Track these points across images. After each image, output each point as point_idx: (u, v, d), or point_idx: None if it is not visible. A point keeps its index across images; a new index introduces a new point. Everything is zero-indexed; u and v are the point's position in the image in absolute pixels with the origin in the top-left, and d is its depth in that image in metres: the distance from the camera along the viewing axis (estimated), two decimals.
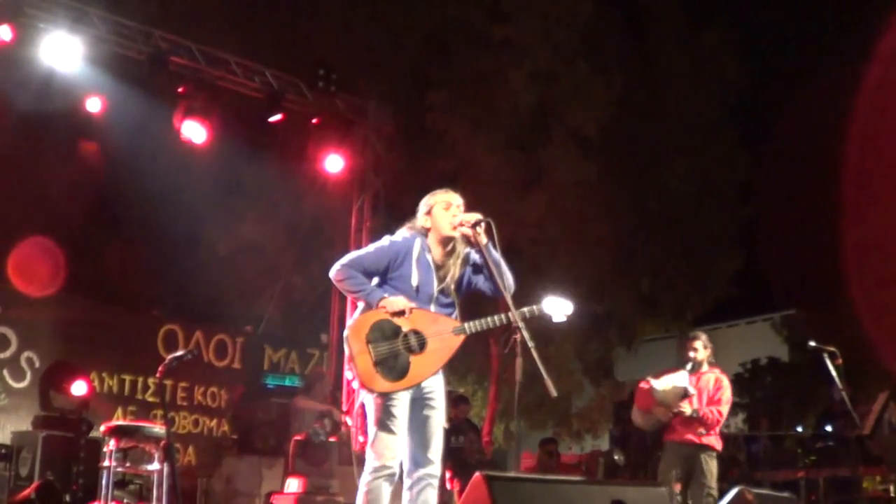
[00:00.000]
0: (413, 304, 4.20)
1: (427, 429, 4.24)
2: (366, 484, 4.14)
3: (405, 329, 4.19)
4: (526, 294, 4.35)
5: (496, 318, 4.23)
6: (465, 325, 4.26)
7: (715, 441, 6.73)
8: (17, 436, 8.14)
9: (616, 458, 10.35)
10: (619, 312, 17.20)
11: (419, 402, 4.24)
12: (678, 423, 6.70)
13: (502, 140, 14.17)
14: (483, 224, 4.23)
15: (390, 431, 4.13)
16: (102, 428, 6.61)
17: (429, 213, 4.39)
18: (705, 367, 6.82)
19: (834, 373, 6.02)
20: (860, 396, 10.73)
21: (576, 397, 17.77)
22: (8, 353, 9.66)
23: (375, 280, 4.33)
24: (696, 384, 6.71)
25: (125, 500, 7.38)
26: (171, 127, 9.42)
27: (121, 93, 9.43)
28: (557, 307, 4.34)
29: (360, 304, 4.32)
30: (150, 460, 6.56)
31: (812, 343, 6.27)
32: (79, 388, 8.38)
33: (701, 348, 6.82)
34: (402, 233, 4.42)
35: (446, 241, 4.35)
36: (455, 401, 10.18)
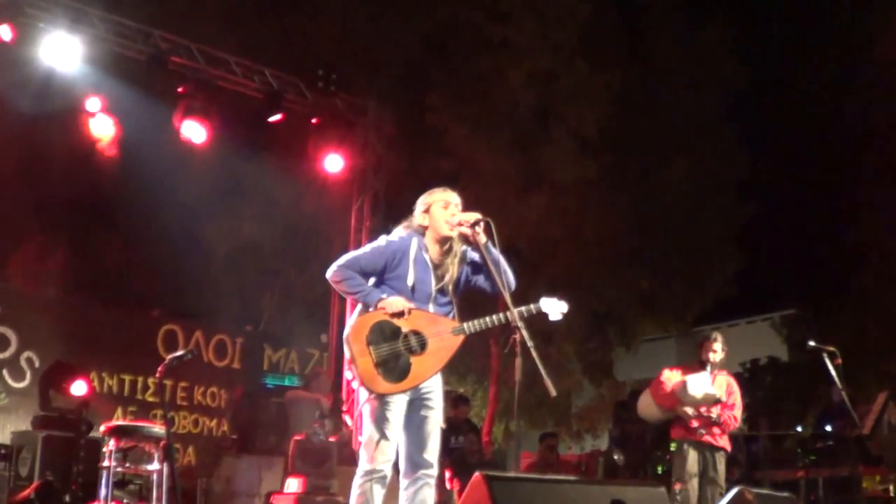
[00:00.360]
0: (412, 305, 4.19)
1: (424, 429, 4.23)
2: (358, 486, 4.14)
3: (405, 330, 4.17)
4: (525, 293, 4.35)
5: (495, 317, 4.22)
6: (465, 325, 4.26)
7: (726, 443, 6.89)
8: (17, 436, 8.13)
9: (616, 457, 10.34)
10: (618, 312, 17.21)
11: (417, 403, 4.23)
12: (700, 424, 6.75)
13: (502, 140, 14.18)
14: (482, 223, 4.22)
15: (384, 436, 4.12)
16: (102, 428, 6.61)
17: (426, 211, 4.37)
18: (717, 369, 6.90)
19: (833, 373, 6.03)
20: (860, 396, 10.73)
21: (575, 397, 17.79)
22: (8, 353, 9.65)
23: (372, 280, 4.31)
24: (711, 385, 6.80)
25: (125, 500, 7.37)
26: (171, 127, 9.42)
27: (120, 93, 9.43)
28: (554, 306, 4.34)
29: (359, 306, 4.30)
30: (150, 460, 6.56)
31: (812, 343, 6.28)
32: (78, 388, 8.37)
33: (720, 350, 6.87)
34: (399, 232, 4.40)
35: (444, 241, 4.34)
36: (455, 401, 10.17)
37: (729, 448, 6.94)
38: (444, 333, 4.22)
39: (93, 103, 9.34)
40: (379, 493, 4.14)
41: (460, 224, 4.27)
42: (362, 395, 4.22)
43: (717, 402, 6.72)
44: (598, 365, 17.90)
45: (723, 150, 16.80)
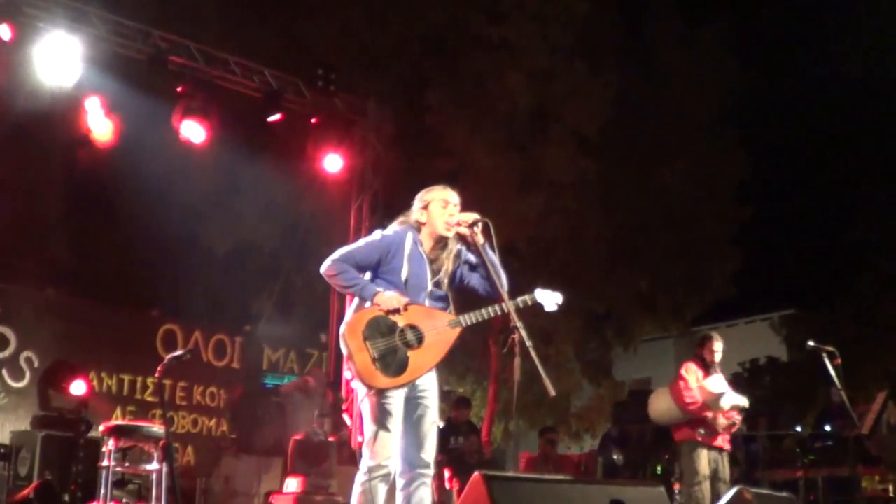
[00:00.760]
0: (406, 300, 4.18)
1: (421, 428, 4.22)
2: (361, 484, 4.12)
3: (401, 324, 4.17)
4: (524, 293, 4.34)
5: (490, 309, 4.22)
6: (461, 317, 4.25)
7: (728, 444, 6.98)
8: (17, 435, 8.13)
9: (615, 457, 10.35)
10: (617, 312, 17.20)
11: (413, 402, 4.22)
12: (726, 430, 6.84)
13: (501, 140, 14.17)
14: (480, 224, 4.23)
15: (387, 430, 4.12)
16: (101, 428, 6.61)
17: (425, 208, 4.37)
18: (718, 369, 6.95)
19: (833, 373, 6.03)
20: (859, 396, 10.74)
21: (575, 397, 17.78)
22: (7, 353, 9.65)
23: (368, 275, 4.31)
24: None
25: (124, 500, 7.36)
26: (170, 126, 9.42)
27: (120, 92, 9.42)
28: (548, 297, 4.34)
29: (355, 302, 4.30)
30: (149, 460, 6.56)
31: (811, 343, 6.28)
32: (78, 387, 8.38)
33: (720, 350, 6.89)
34: (394, 227, 4.40)
35: (440, 239, 4.34)
36: (457, 403, 10.17)
37: (729, 448, 7.01)
38: (440, 327, 4.22)
39: (92, 103, 9.32)
40: (382, 490, 4.11)
41: (458, 224, 4.27)
42: (360, 392, 4.22)
43: (742, 409, 6.82)
44: (597, 365, 17.90)
45: (723, 151, 16.77)
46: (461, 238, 4.35)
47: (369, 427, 4.17)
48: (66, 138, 10.90)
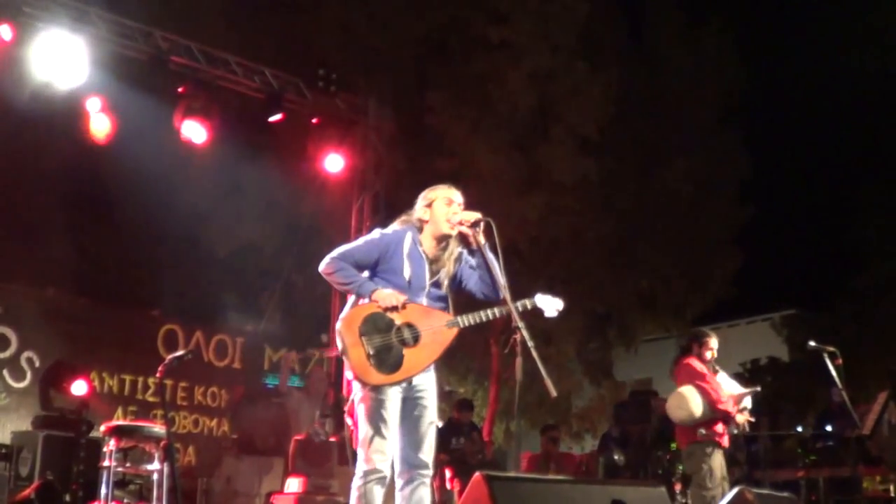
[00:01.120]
0: (405, 298, 4.17)
1: (419, 428, 4.21)
2: (357, 488, 4.10)
3: (398, 322, 4.15)
4: (525, 293, 4.33)
5: (489, 311, 4.20)
6: (459, 318, 4.23)
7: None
8: (18, 436, 8.14)
9: (616, 458, 10.34)
10: (618, 312, 17.21)
11: (410, 402, 4.21)
12: (726, 428, 6.78)
13: (502, 140, 14.17)
14: (483, 224, 4.21)
15: (381, 434, 4.10)
16: (102, 428, 6.60)
17: (429, 206, 4.35)
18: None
19: (834, 373, 6.02)
20: (860, 396, 10.73)
21: (576, 397, 17.78)
22: (8, 353, 9.65)
23: (366, 273, 4.29)
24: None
25: (125, 500, 7.37)
26: (172, 126, 9.42)
27: (121, 92, 9.42)
28: (549, 303, 4.33)
29: (352, 297, 4.28)
30: (151, 460, 6.56)
31: (812, 343, 6.26)
32: (79, 387, 8.38)
33: (716, 349, 6.80)
34: (394, 226, 4.39)
35: (441, 238, 4.33)
36: (459, 405, 10.15)
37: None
38: (437, 326, 4.21)
39: (93, 103, 9.32)
40: (379, 493, 4.10)
41: (461, 223, 4.26)
42: (356, 389, 4.20)
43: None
44: (599, 365, 17.91)
45: (723, 151, 16.77)
46: (463, 240, 4.34)
47: (364, 429, 4.14)
48: (67, 138, 10.90)
